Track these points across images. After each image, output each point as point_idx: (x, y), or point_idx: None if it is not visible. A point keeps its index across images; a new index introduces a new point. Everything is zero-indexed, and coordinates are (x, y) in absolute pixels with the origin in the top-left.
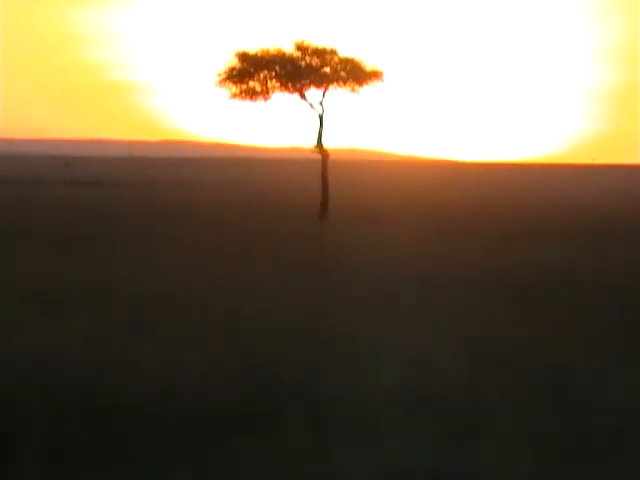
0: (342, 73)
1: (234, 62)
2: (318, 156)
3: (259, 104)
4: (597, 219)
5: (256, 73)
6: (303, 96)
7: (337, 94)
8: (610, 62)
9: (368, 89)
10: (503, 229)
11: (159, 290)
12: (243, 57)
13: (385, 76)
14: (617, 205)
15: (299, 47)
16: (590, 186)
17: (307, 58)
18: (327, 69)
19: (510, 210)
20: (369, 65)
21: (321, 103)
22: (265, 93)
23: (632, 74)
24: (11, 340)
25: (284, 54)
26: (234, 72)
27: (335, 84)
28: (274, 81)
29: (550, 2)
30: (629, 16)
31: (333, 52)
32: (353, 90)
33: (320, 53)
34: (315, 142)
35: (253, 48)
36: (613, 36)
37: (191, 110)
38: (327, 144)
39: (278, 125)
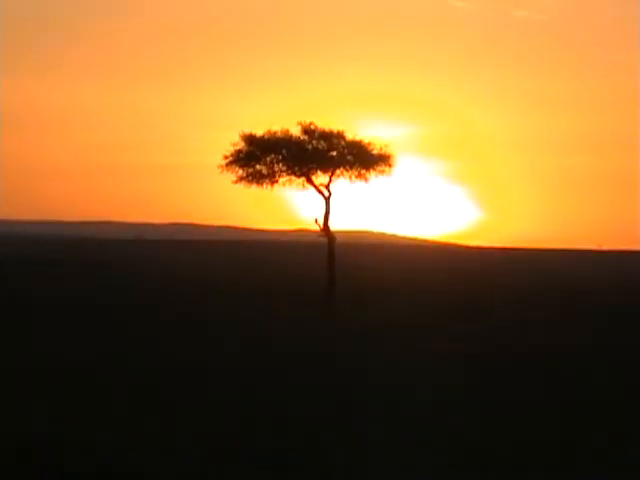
0: (349, 157)
1: (240, 145)
2: (325, 239)
3: (265, 188)
4: (613, 303)
5: (263, 156)
6: (310, 180)
7: (344, 178)
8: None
9: (375, 173)
10: (516, 312)
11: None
12: (250, 140)
13: (394, 160)
14: (619, 289)
15: (306, 130)
16: (602, 271)
17: (314, 142)
18: (334, 153)
19: (522, 294)
20: (377, 148)
21: (328, 187)
22: (272, 177)
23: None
24: None
25: (291, 137)
26: (240, 155)
27: (342, 168)
28: (281, 165)
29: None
30: (613, 101)
31: (340, 135)
32: (360, 175)
33: (327, 136)
34: (322, 225)
35: (259, 131)
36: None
37: (199, 192)
38: (334, 227)
39: (285, 208)
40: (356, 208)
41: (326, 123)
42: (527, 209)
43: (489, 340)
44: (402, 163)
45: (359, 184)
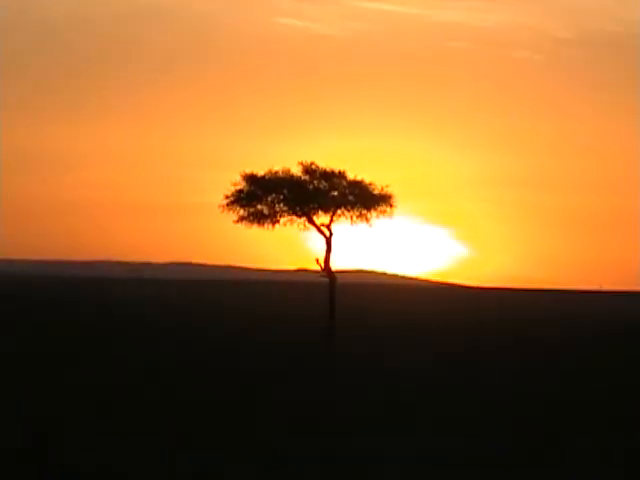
0: (350, 197)
1: (241, 184)
2: (326, 279)
3: (266, 228)
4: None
5: (264, 196)
6: (311, 220)
7: (345, 218)
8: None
9: (377, 213)
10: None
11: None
12: (251, 179)
13: (394, 200)
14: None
15: (307, 170)
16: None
17: (315, 181)
18: (335, 193)
19: (523, 335)
20: (378, 189)
21: (329, 227)
22: (273, 217)
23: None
24: None
25: (292, 177)
26: (242, 195)
27: (343, 208)
28: (282, 204)
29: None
30: (615, 145)
31: (341, 175)
32: (361, 215)
33: (328, 176)
34: (323, 265)
35: (261, 170)
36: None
37: (200, 232)
38: (334, 266)
39: (285, 247)
40: (357, 248)
41: (328, 163)
42: (528, 249)
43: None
44: (405, 203)
45: (360, 225)
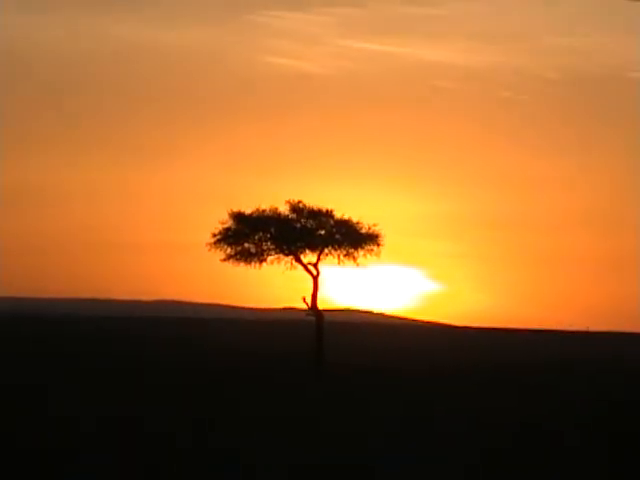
0: (337, 236)
1: (229, 223)
2: (313, 318)
3: (253, 266)
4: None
5: (251, 234)
6: (298, 258)
7: (333, 256)
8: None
9: (364, 252)
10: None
11: None
12: (238, 218)
13: (382, 239)
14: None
15: (294, 208)
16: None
17: (302, 220)
18: (322, 232)
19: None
20: (365, 227)
21: (316, 265)
22: (260, 255)
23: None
24: None
25: (279, 215)
26: (229, 233)
27: (330, 247)
28: (269, 243)
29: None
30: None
31: (328, 214)
32: (348, 254)
33: (315, 215)
34: (309, 304)
35: (248, 209)
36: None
37: (187, 270)
38: (322, 304)
39: (272, 286)
40: (344, 286)
41: (316, 201)
42: (509, 289)
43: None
44: (394, 242)
45: (347, 264)
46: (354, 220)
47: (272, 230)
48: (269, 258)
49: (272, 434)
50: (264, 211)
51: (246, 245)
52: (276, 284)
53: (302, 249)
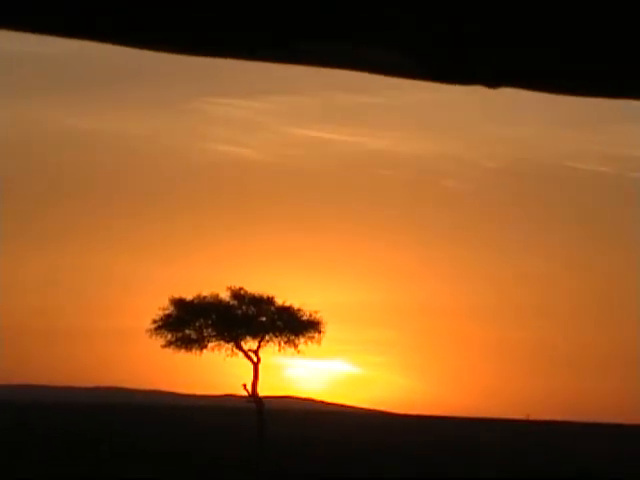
0: (278, 323)
1: (170, 309)
2: (253, 405)
3: (194, 353)
4: None
5: (192, 321)
6: (239, 345)
7: (273, 343)
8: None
9: (305, 339)
10: None
11: None
12: (179, 304)
13: (323, 326)
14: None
15: (235, 295)
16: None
17: (243, 307)
18: (263, 318)
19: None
20: (306, 315)
21: (257, 352)
22: (201, 341)
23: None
24: None
25: (220, 302)
26: (170, 319)
27: (271, 334)
28: (210, 329)
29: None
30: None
31: (269, 301)
32: (289, 341)
33: (256, 301)
34: (250, 391)
35: (189, 295)
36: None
37: (127, 356)
38: (262, 392)
39: (212, 372)
40: (284, 374)
41: (256, 287)
42: (461, 379)
43: None
44: (334, 329)
45: (288, 350)
46: (295, 307)
47: (213, 316)
48: (210, 344)
49: None
50: (205, 297)
51: (187, 332)
52: (217, 371)
53: (243, 336)
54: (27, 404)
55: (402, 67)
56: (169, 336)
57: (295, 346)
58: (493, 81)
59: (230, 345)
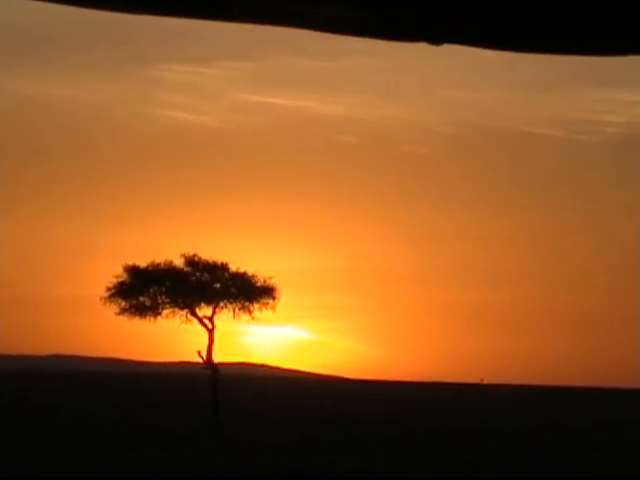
0: (232, 289)
1: (123, 276)
2: (208, 372)
3: (149, 320)
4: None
5: (146, 288)
6: (193, 312)
7: (228, 310)
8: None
9: (259, 306)
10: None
11: None
12: (133, 271)
13: (277, 292)
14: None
15: (189, 262)
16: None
17: (198, 274)
18: (217, 285)
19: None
20: (260, 281)
21: (211, 319)
22: (155, 309)
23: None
24: None
25: (174, 269)
26: (124, 287)
27: (225, 300)
28: (164, 296)
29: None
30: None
31: (224, 267)
32: (243, 307)
33: (210, 268)
34: (205, 357)
35: (143, 262)
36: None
37: (81, 324)
38: (217, 359)
39: (167, 339)
40: (239, 340)
41: (211, 254)
42: (418, 344)
43: None
44: (289, 296)
45: (243, 317)
46: (249, 273)
47: (167, 283)
48: (164, 312)
49: None
50: (159, 265)
51: (141, 299)
52: (171, 338)
53: (197, 303)
54: None
55: (353, 23)
56: (123, 303)
57: (250, 312)
58: (437, 38)
59: (184, 312)
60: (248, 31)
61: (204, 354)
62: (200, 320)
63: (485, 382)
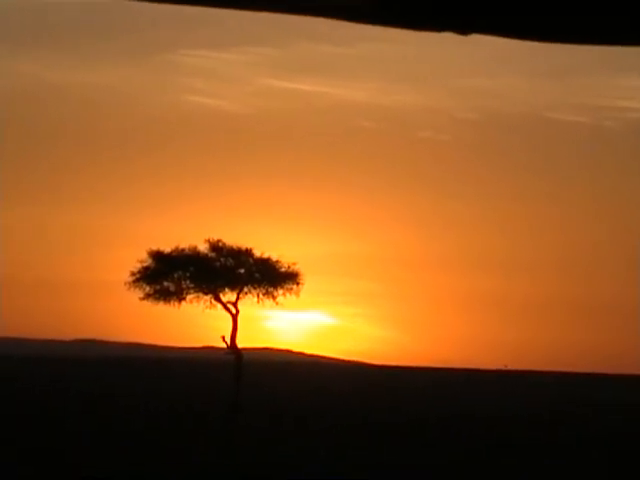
0: (257, 275)
1: (148, 261)
2: (232, 357)
3: (173, 305)
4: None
5: (170, 273)
6: (217, 297)
7: (252, 295)
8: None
9: (283, 291)
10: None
11: None
12: (157, 257)
13: (301, 278)
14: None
15: (214, 247)
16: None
17: (222, 259)
18: (242, 270)
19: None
20: (284, 267)
21: (235, 304)
22: (179, 294)
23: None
24: None
25: (199, 254)
26: (148, 272)
27: (249, 286)
28: (188, 282)
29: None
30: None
31: (248, 253)
32: (267, 293)
33: (235, 254)
34: (229, 343)
35: (167, 248)
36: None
37: (106, 309)
38: (241, 344)
39: (191, 324)
40: (264, 326)
41: (235, 240)
42: (441, 331)
43: None
44: (313, 281)
45: (267, 302)
46: (273, 259)
47: (191, 269)
48: (188, 297)
49: None
50: (183, 250)
51: (165, 284)
52: (196, 323)
53: (221, 288)
54: (5, 357)
55: (370, 13)
56: (147, 289)
57: (274, 298)
58: (464, 28)
59: (209, 297)
60: (269, 17)
61: (228, 339)
62: (224, 305)
63: (509, 368)
